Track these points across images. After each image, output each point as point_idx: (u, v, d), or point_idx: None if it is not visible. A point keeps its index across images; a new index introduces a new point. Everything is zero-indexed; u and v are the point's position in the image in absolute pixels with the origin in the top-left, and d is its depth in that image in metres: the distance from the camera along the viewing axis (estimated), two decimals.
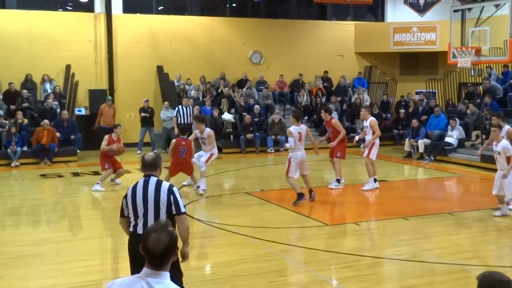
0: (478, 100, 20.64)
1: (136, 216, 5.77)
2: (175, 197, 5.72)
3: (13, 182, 16.45)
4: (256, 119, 21.85)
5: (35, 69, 21.14)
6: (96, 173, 16.47)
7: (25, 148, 18.41)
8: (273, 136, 21.18)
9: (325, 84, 25.15)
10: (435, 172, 17.45)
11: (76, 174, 16.88)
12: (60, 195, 14.31)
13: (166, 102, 21.36)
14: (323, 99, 24.08)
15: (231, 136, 21.54)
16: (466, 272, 8.17)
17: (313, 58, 25.35)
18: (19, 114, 18.99)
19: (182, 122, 19.19)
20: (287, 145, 12.72)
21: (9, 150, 18.03)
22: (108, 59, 22.29)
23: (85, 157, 19.54)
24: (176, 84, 22.64)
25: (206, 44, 23.90)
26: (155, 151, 18.32)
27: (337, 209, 13.22)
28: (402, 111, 23.48)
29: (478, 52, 19.65)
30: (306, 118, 23.69)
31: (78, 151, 19.58)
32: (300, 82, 24.74)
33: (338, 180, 14.48)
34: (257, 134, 21.25)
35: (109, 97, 21.12)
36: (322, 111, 15.12)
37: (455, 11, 20.64)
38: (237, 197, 13.46)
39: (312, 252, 9.05)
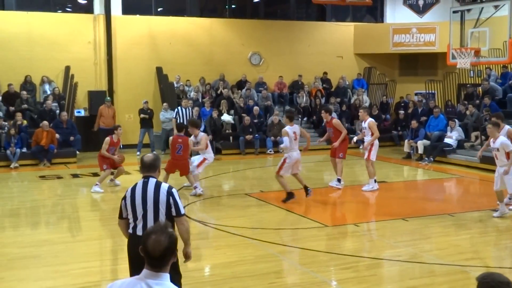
0: (478, 101, 20.65)
1: (135, 218, 5.77)
2: (174, 199, 5.71)
3: (12, 184, 16.44)
4: (255, 120, 21.85)
5: (35, 71, 21.13)
6: (95, 174, 16.45)
7: (24, 150, 18.40)
8: (272, 138, 21.18)
9: (324, 85, 25.17)
10: (435, 173, 17.45)
11: (75, 176, 16.88)
12: (59, 196, 14.31)
13: (165, 104, 21.36)
14: (323, 100, 24.09)
15: (231, 137, 21.53)
16: (465, 273, 8.16)
17: (313, 59, 25.36)
18: (18, 116, 18.99)
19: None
20: (282, 145, 12.78)
21: (8, 152, 18.03)
22: (108, 60, 22.29)
23: (85, 159, 19.54)
24: (175, 85, 22.64)
25: (205, 45, 23.91)
26: (154, 152, 18.35)
27: (337, 210, 13.22)
28: (402, 112, 23.49)
29: (477, 53, 19.65)
30: (305, 119, 23.73)
31: (77, 152, 19.60)
32: (300, 83, 24.74)
33: (339, 180, 14.50)
34: (257, 135, 21.25)
35: (108, 98, 21.12)
36: (323, 111, 15.15)
37: (454, 12, 20.64)
38: (236, 198, 13.45)
39: (312, 253, 9.04)
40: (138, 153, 20.16)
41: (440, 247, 9.55)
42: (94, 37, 22.30)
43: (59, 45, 21.63)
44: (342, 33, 26.06)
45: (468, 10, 20.86)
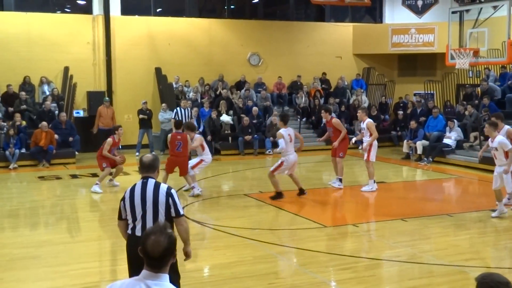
0: (476, 102, 20.66)
1: (134, 218, 5.76)
2: (173, 200, 5.71)
3: (11, 184, 16.43)
4: (254, 121, 21.85)
5: (33, 71, 21.13)
6: (94, 175, 16.45)
7: (23, 150, 18.40)
8: (271, 138, 21.16)
9: (323, 85, 25.18)
10: (434, 174, 17.46)
11: (74, 176, 16.87)
12: (58, 197, 14.30)
13: (163, 104, 21.37)
14: (322, 101, 24.10)
15: (229, 138, 21.52)
16: (464, 274, 8.17)
17: (312, 60, 25.37)
18: (17, 116, 18.99)
19: None
20: (278, 149, 12.84)
21: (7, 152, 18.03)
22: (107, 61, 22.28)
23: (84, 159, 19.53)
24: (174, 86, 22.64)
25: (204, 46, 23.91)
26: (153, 153, 18.35)
27: (336, 211, 13.22)
28: (401, 112, 23.50)
29: (476, 53, 19.65)
30: (304, 119, 23.73)
31: (76, 153, 19.59)
32: (299, 83, 24.75)
33: (340, 180, 14.52)
34: (256, 136, 21.25)
35: (107, 98, 21.12)
36: (322, 111, 15.21)
37: (453, 12, 20.65)
38: (235, 199, 13.45)
39: (311, 254, 9.05)
40: (137, 153, 20.16)
41: (439, 248, 9.55)
42: (93, 37, 22.30)
43: (58, 46, 21.62)
44: (341, 33, 26.08)
45: (467, 11, 20.86)
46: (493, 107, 19.17)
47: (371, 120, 14.35)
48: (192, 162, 13.78)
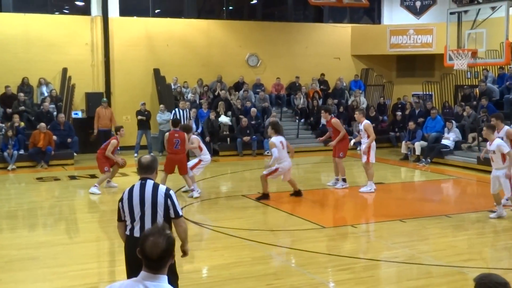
0: (475, 102, 20.68)
1: (132, 219, 5.76)
2: (172, 201, 5.71)
3: (9, 186, 16.42)
4: (253, 122, 21.85)
5: (32, 72, 21.12)
6: (92, 176, 16.45)
7: (21, 152, 18.39)
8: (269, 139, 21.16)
9: (321, 86, 25.19)
10: (432, 174, 17.46)
11: (72, 177, 16.86)
12: (57, 198, 14.29)
13: (161, 105, 21.37)
14: (320, 102, 24.11)
15: (228, 139, 21.53)
16: (463, 274, 8.17)
17: (310, 61, 25.38)
18: (16, 118, 18.98)
19: None
20: (271, 161, 12.88)
21: (5, 154, 18.02)
22: (105, 62, 22.28)
23: (82, 160, 19.52)
24: (172, 87, 22.63)
25: (202, 47, 23.91)
26: (151, 154, 18.32)
27: (334, 212, 13.22)
28: (399, 113, 23.50)
29: (474, 54, 19.66)
30: (302, 120, 23.73)
31: (74, 154, 19.58)
32: (297, 84, 24.75)
33: (344, 180, 14.55)
34: (254, 137, 21.25)
35: (104, 99, 21.12)
36: (322, 111, 15.27)
37: (451, 13, 20.66)
38: (234, 200, 13.45)
39: (309, 255, 9.05)
40: (135, 154, 20.16)
41: (438, 248, 9.56)
42: (91, 38, 22.29)
43: (56, 47, 21.61)
44: (340, 34, 26.09)
45: (465, 12, 20.87)
46: (491, 108, 19.19)
47: (368, 122, 14.34)
48: (191, 163, 13.79)
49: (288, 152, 13.08)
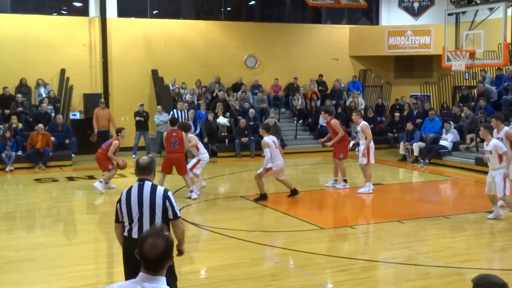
0: (473, 103, 20.71)
1: (130, 221, 5.76)
2: (170, 202, 5.72)
3: (7, 187, 16.40)
4: (251, 123, 21.85)
5: (30, 73, 21.10)
6: (91, 177, 16.45)
7: (19, 153, 18.36)
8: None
9: (320, 87, 25.19)
10: (430, 175, 17.48)
11: (70, 179, 16.84)
12: (55, 199, 14.27)
13: (159, 106, 21.38)
14: (318, 103, 24.12)
15: (226, 140, 21.53)
16: (461, 275, 8.17)
17: (308, 62, 25.39)
18: (14, 119, 18.96)
19: None
20: (265, 161, 12.86)
21: (3, 155, 17.99)
22: (103, 63, 22.28)
23: (80, 162, 19.50)
24: (171, 88, 22.64)
25: (201, 48, 23.92)
26: (149, 155, 18.31)
27: (332, 213, 13.22)
28: (397, 114, 23.52)
29: (472, 55, 19.69)
30: (301, 121, 23.74)
31: (72, 155, 19.56)
32: (295, 85, 24.76)
33: (345, 180, 14.59)
34: (252, 138, 21.24)
35: (102, 100, 21.11)
36: (322, 112, 15.33)
37: (449, 14, 20.69)
38: (232, 201, 13.45)
39: (307, 256, 9.04)
40: (133, 155, 20.16)
41: (436, 249, 9.56)
42: (89, 39, 22.29)
43: (54, 48, 21.61)
44: (338, 35, 26.11)
45: (463, 13, 20.91)
46: (489, 109, 19.21)
47: (365, 123, 14.33)
48: (190, 164, 13.79)
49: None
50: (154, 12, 24.10)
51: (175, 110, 20.29)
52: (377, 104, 25.14)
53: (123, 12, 22.90)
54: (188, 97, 22.51)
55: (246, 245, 9.66)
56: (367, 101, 25.72)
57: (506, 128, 11.88)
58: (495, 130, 11.68)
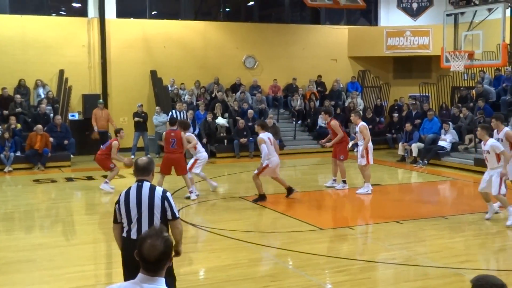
0: (471, 104, 20.71)
1: (129, 221, 5.76)
2: (169, 203, 5.72)
3: (6, 188, 16.39)
4: (250, 124, 21.82)
5: (28, 74, 21.10)
6: (89, 178, 16.45)
7: (18, 154, 18.36)
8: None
9: (318, 88, 25.20)
10: (429, 176, 17.48)
11: (69, 179, 16.84)
12: (54, 200, 14.27)
13: (157, 107, 21.38)
14: (317, 103, 24.12)
15: (225, 141, 21.53)
16: (460, 276, 8.17)
17: (307, 63, 25.40)
18: (12, 119, 18.96)
19: None
20: (263, 156, 12.84)
21: (2, 156, 17.98)
22: (102, 64, 22.27)
23: (79, 162, 19.50)
24: (169, 88, 22.64)
25: (199, 48, 23.92)
26: (148, 155, 18.32)
27: (331, 213, 13.21)
28: (396, 115, 23.53)
29: (471, 56, 19.69)
30: (299, 122, 23.74)
31: (71, 156, 19.55)
32: (294, 86, 24.77)
33: (344, 181, 14.60)
34: (251, 138, 21.23)
35: (101, 101, 21.10)
36: (322, 112, 15.36)
37: (448, 15, 20.69)
38: (231, 202, 13.44)
39: (306, 256, 9.04)
40: (132, 156, 20.10)
41: (435, 250, 9.56)
42: (88, 40, 22.29)
43: (53, 49, 21.60)
44: (336, 36, 26.12)
45: (462, 13, 20.91)
46: (488, 110, 19.22)
47: (364, 124, 14.32)
48: (188, 164, 13.78)
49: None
50: (153, 12, 24.10)
51: (173, 111, 20.28)
52: (376, 105, 25.15)
53: (122, 12, 22.90)
54: (187, 97, 22.51)
55: (245, 246, 9.66)
56: (366, 101, 25.73)
57: (506, 128, 11.87)
58: (495, 131, 11.69)
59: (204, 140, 20.30)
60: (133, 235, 5.68)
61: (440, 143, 19.10)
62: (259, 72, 24.92)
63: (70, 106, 21.68)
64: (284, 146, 21.39)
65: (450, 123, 19.45)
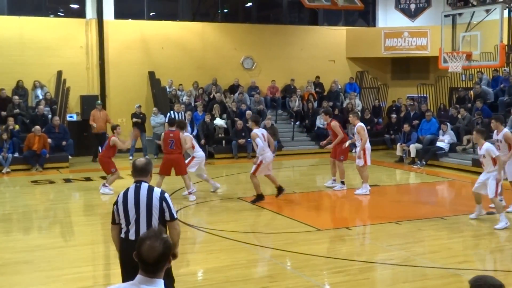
0: (469, 105, 20.73)
1: (127, 222, 5.76)
2: (167, 204, 5.72)
3: (4, 189, 16.37)
4: (248, 125, 21.81)
5: (27, 75, 21.08)
6: (87, 179, 16.44)
7: (16, 155, 18.34)
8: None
9: (317, 89, 25.21)
10: (427, 177, 17.50)
11: (67, 181, 16.82)
12: (52, 201, 14.26)
13: (154, 108, 21.39)
14: (315, 104, 24.13)
15: (223, 142, 21.53)
16: (458, 276, 8.18)
17: (305, 63, 25.40)
18: (10, 121, 18.94)
19: None
20: (258, 150, 12.83)
21: (0, 157, 17.96)
22: (100, 65, 22.26)
23: (77, 163, 19.49)
24: (168, 89, 22.63)
25: (197, 49, 23.91)
26: (146, 156, 18.31)
27: (329, 214, 13.22)
28: (394, 116, 23.53)
29: (469, 57, 19.70)
30: (298, 123, 23.74)
31: (69, 157, 19.53)
32: (292, 87, 24.77)
33: (342, 182, 14.61)
34: (249, 139, 21.18)
35: (99, 102, 21.08)
36: (323, 113, 15.38)
37: (446, 16, 20.70)
38: (229, 203, 13.44)
39: (304, 257, 9.04)
40: (130, 157, 20.12)
41: (433, 250, 9.57)
42: (86, 41, 22.27)
43: (51, 50, 21.58)
44: (334, 37, 26.13)
45: (460, 14, 20.92)
46: (486, 110, 19.25)
47: (361, 124, 14.32)
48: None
49: (268, 146, 13.09)
50: (151, 14, 24.09)
51: (172, 112, 20.28)
52: (374, 106, 25.17)
53: (120, 14, 22.89)
54: (185, 98, 22.50)
55: (244, 247, 9.66)
56: (364, 102, 25.74)
57: (505, 130, 11.89)
58: (494, 132, 11.70)
59: (202, 141, 20.29)
60: (131, 236, 5.68)
61: (438, 144, 19.11)
62: (257, 73, 24.93)
63: (68, 107, 21.66)
64: (282, 147, 21.39)
65: (448, 124, 19.47)
